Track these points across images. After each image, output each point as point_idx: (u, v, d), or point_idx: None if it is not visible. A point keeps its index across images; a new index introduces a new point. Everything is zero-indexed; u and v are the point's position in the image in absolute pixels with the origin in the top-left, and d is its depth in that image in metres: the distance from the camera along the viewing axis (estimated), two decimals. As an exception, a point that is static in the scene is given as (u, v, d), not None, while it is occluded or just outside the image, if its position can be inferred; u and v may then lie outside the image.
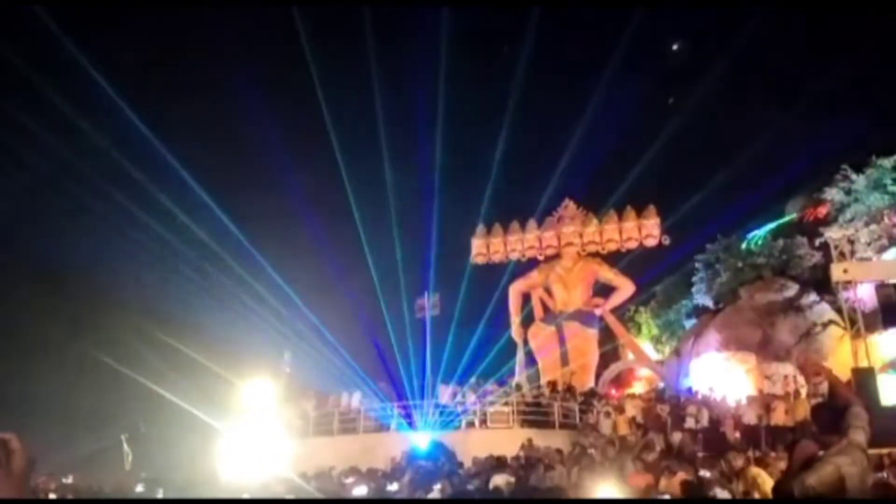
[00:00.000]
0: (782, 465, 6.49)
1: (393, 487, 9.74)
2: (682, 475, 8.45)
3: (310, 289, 27.12)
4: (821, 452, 4.32)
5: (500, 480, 7.73)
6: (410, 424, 19.65)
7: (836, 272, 22.10)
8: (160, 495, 8.61)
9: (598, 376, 27.47)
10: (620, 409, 20.65)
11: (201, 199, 28.95)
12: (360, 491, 7.94)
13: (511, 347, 29.32)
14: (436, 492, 8.82)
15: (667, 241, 28.35)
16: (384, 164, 29.78)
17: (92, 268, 28.24)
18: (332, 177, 30.63)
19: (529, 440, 16.63)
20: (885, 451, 12.33)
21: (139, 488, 10.95)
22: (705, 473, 8.39)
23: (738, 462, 8.99)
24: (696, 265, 34.07)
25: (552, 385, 22.13)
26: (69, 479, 9.57)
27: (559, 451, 14.56)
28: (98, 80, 24.23)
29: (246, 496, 7.06)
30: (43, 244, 27.47)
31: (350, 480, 10.94)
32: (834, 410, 4.61)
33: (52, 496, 8.36)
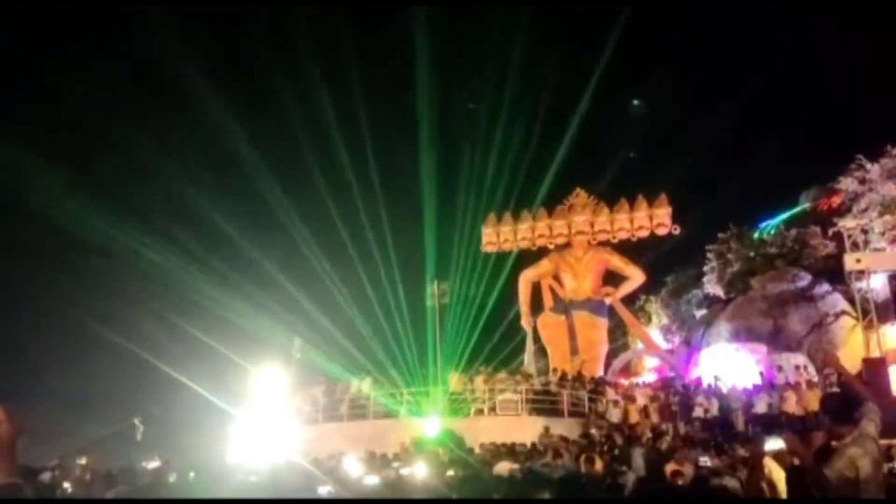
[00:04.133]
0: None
1: (406, 471, 9.80)
2: (689, 465, 8.46)
3: (321, 276, 27.31)
4: (833, 443, 4.33)
5: (504, 467, 7.75)
6: (420, 411, 19.73)
7: (850, 262, 21.96)
8: (173, 478, 8.72)
9: (607, 365, 27.46)
10: (629, 399, 20.66)
11: (216, 188, 29.18)
12: (372, 479, 7.99)
13: (520, 336, 29.36)
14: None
15: (677, 230, 28.18)
16: (395, 155, 29.84)
17: (110, 254, 28.54)
18: (343, 167, 30.75)
19: (546, 428, 16.63)
20: (894, 441, 12.28)
21: (154, 464, 11.12)
22: (707, 461, 8.38)
23: (746, 451, 8.98)
24: (708, 255, 33.89)
25: (561, 373, 22.15)
26: (82, 461, 9.74)
27: (564, 439, 14.56)
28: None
29: (254, 479, 7.15)
30: (61, 230, 27.75)
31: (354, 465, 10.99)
32: (844, 400, 4.60)
33: (65, 484, 8.50)
